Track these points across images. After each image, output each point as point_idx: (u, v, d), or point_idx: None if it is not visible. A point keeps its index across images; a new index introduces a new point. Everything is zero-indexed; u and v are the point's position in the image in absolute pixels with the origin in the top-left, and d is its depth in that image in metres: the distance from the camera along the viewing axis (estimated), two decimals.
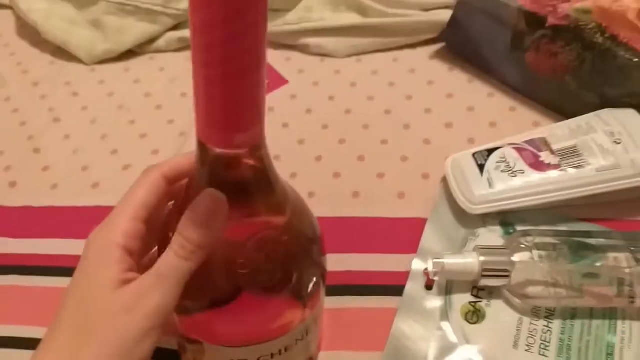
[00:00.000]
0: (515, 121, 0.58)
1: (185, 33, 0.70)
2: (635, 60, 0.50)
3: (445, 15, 0.65)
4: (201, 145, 0.27)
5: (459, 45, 0.66)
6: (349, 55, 0.68)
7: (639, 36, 0.51)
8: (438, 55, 0.67)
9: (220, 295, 0.31)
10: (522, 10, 0.56)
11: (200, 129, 0.26)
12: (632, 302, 0.43)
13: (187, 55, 0.69)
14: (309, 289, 0.34)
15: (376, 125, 0.60)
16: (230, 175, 0.28)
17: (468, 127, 0.59)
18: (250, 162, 0.28)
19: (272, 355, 0.34)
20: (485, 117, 0.60)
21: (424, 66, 0.66)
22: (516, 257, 0.44)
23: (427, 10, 0.69)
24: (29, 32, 0.71)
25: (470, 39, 0.63)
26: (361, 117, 0.61)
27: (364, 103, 0.63)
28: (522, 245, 0.45)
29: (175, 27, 0.70)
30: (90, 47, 0.69)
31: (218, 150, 0.26)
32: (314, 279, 0.34)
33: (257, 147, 0.28)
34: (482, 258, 0.44)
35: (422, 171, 0.55)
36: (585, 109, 0.54)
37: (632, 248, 0.44)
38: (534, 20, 0.56)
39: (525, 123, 0.58)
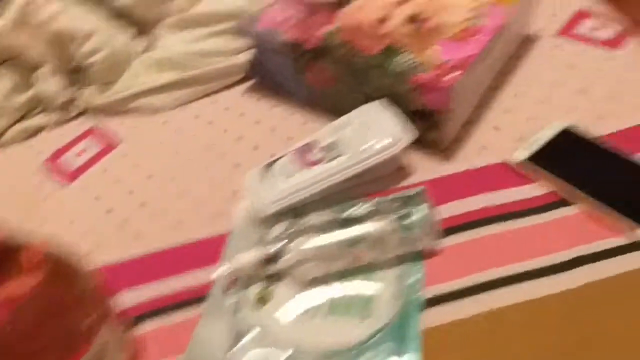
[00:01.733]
0: (309, 131, 0.69)
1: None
2: (372, 62, 0.62)
3: (248, 56, 0.77)
4: None
5: (263, 78, 0.77)
6: (176, 107, 0.79)
7: (375, 41, 0.63)
8: (249, 90, 0.79)
9: None
10: (287, 42, 0.68)
11: None
12: (386, 253, 0.53)
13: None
14: (81, 331, 0.41)
15: (198, 159, 0.70)
16: None
17: (271, 145, 0.69)
18: None
19: None
20: (284, 133, 0.71)
21: (237, 102, 0.77)
22: (293, 243, 0.54)
23: (237, 54, 0.80)
24: None
25: (269, 72, 0.75)
26: (185, 155, 0.71)
27: (189, 142, 0.73)
28: (299, 230, 0.55)
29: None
30: None
31: None
32: (88, 321, 0.42)
33: None
34: (263, 249, 0.54)
35: (232, 190, 0.65)
36: (354, 107, 0.65)
37: (394, 213, 0.53)
38: (297, 48, 0.67)
39: (315, 131, 0.69)
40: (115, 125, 0.79)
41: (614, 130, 0.60)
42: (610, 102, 0.64)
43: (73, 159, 0.75)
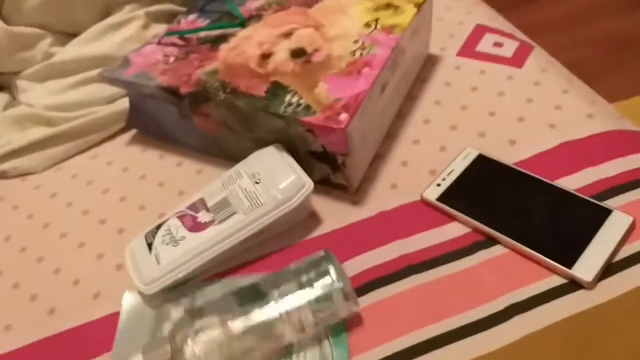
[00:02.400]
0: (204, 182, 0.61)
1: None
2: (258, 105, 0.54)
3: (126, 102, 0.67)
4: None
5: (144, 126, 0.68)
6: (49, 167, 0.68)
7: (259, 81, 0.56)
8: (133, 140, 0.69)
9: None
10: (160, 87, 0.59)
11: None
12: (303, 332, 0.45)
13: None
14: None
15: (75, 230, 0.60)
16: None
17: (159, 204, 0.60)
18: None
19: None
20: (174, 187, 0.62)
21: (120, 155, 0.68)
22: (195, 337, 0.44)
23: (113, 101, 0.71)
24: None
25: (152, 119, 0.66)
26: (60, 225, 0.61)
27: (63, 210, 0.63)
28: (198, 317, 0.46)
29: None
30: None
31: None
32: None
33: None
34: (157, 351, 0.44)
35: (116, 263, 0.55)
36: (250, 153, 0.57)
37: (300, 279, 0.45)
38: (173, 93, 0.59)
39: (211, 180, 0.60)
40: None
41: (528, 155, 0.56)
42: (520, 124, 0.60)
43: None
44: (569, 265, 0.45)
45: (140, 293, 0.51)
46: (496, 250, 0.49)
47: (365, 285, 0.48)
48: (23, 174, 0.68)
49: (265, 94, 0.54)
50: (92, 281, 0.54)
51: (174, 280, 0.50)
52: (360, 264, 0.50)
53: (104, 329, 0.50)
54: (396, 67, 0.59)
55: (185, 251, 0.50)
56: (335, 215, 0.55)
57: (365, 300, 0.47)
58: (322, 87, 0.53)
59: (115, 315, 0.51)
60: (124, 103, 0.69)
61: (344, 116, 0.50)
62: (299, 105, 0.52)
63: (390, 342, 0.44)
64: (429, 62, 0.70)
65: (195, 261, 0.50)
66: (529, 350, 0.42)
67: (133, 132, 0.70)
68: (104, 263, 0.56)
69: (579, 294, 0.45)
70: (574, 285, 0.45)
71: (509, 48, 0.69)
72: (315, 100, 0.52)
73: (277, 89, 0.54)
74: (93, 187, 0.65)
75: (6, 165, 0.68)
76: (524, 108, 0.61)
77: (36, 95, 0.72)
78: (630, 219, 0.47)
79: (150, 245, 0.52)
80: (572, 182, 0.52)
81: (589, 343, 0.42)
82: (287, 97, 0.53)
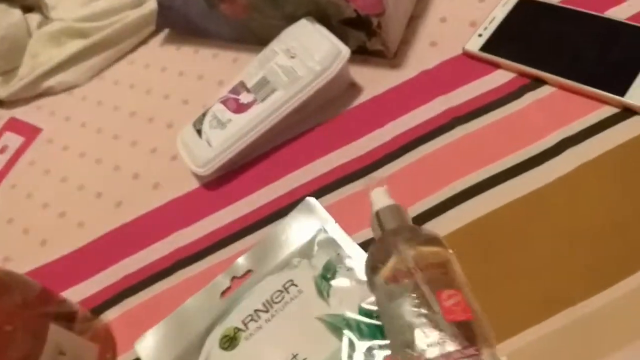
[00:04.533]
0: (241, 69, 0.61)
1: None
2: None
3: (153, 3, 0.67)
4: None
5: (174, 24, 0.68)
6: (91, 78, 0.70)
7: None
8: (166, 40, 0.70)
9: None
10: None
11: None
12: None
13: None
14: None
15: (126, 130, 0.62)
16: None
17: (201, 96, 0.61)
18: None
19: None
20: (213, 79, 0.62)
21: (156, 56, 0.69)
22: None
23: (140, 5, 0.71)
24: None
25: (179, 15, 0.65)
26: (112, 128, 0.63)
27: (111, 115, 0.65)
28: None
29: None
30: None
31: None
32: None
33: None
34: None
35: (170, 155, 0.57)
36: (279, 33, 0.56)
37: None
38: None
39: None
40: (32, 113, 0.69)
41: None
42: None
43: None
44: (622, 93, 0.44)
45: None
46: (543, 91, 0.47)
47: (412, 141, 0.49)
48: (68, 88, 0.70)
49: None
50: (150, 174, 0.57)
51: (227, 159, 0.52)
52: (405, 123, 0.50)
53: (166, 215, 0.53)
54: None
55: (234, 132, 0.52)
56: (374, 82, 0.54)
57: (410, 158, 0.48)
58: None
59: (175, 201, 0.53)
60: (152, 4, 0.69)
61: None
62: None
63: (443, 190, 0.45)
64: None
65: (244, 140, 0.51)
66: (585, 179, 0.42)
67: (165, 33, 0.70)
68: (159, 156, 0.58)
69: (633, 120, 0.43)
70: (627, 113, 0.44)
71: None
72: None
73: None
74: (136, 90, 0.66)
75: (52, 81, 0.70)
76: None
77: (65, 9, 0.72)
78: None
79: (199, 132, 0.53)
80: (621, 12, 0.49)
81: None
82: None
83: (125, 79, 0.68)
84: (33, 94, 0.71)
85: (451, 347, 0.33)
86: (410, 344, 0.34)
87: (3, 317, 0.38)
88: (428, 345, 0.34)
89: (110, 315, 0.48)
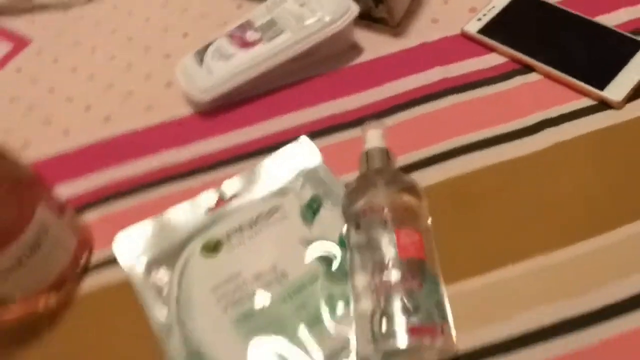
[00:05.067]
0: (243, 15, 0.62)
1: None
2: None
3: None
4: None
5: None
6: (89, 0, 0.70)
7: None
8: None
9: None
10: None
11: None
12: None
13: None
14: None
15: (122, 53, 0.62)
16: None
17: (202, 32, 0.62)
18: None
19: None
20: (217, 19, 0.64)
21: None
22: None
23: None
24: None
25: None
26: (107, 49, 0.63)
27: (107, 37, 0.65)
28: None
29: None
30: None
31: None
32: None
33: None
34: None
35: (165, 82, 0.58)
36: None
37: None
38: None
39: None
40: (23, 24, 0.69)
41: None
42: None
43: None
44: (601, 87, 0.48)
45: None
46: (532, 77, 0.52)
47: (406, 103, 0.52)
48: (65, 6, 0.70)
49: None
50: (143, 96, 0.57)
51: (226, 90, 0.53)
52: (402, 85, 0.53)
53: (157, 135, 0.54)
54: None
55: (236, 65, 0.53)
56: (376, 46, 0.57)
57: (402, 116, 0.51)
58: None
59: (167, 123, 0.54)
60: None
61: None
62: None
63: (430, 147, 0.48)
64: None
65: (245, 75, 0.53)
66: (557, 156, 0.46)
67: None
68: (153, 82, 0.59)
69: (608, 112, 0.48)
70: (603, 105, 0.48)
71: None
72: None
73: None
74: (134, 17, 0.67)
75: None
76: None
77: None
78: None
79: (201, 60, 0.55)
80: (610, 19, 0.54)
81: (613, 153, 0.46)
82: None
83: (125, 5, 0.68)
84: (26, 6, 0.70)
85: (396, 277, 0.37)
86: (365, 267, 0.38)
87: None
88: (374, 271, 0.38)
89: (91, 217, 0.49)
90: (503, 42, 0.54)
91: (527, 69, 0.52)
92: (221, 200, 0.48)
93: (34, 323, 0.43)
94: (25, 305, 0.43)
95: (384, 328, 0.36)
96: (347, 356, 0.39)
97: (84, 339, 0.42)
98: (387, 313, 0.37)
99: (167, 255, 0.45)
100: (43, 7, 0.70)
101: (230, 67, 0.53)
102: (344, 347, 0.39)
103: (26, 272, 0.40)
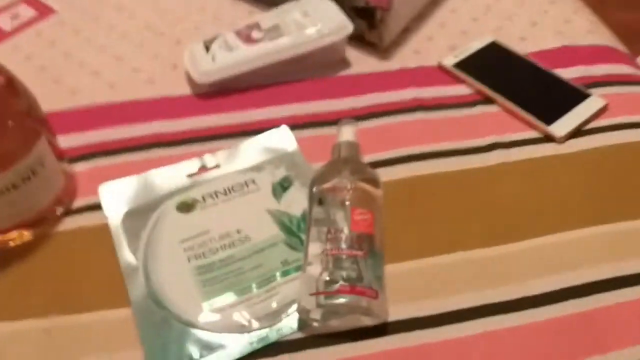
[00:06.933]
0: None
1: None
2: None
3: None
4: None
5: None
6: None
7: None
8: None
9: None
10: None
11: None
12: None
13: None
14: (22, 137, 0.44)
15: (137, 34, 0.69)
16: None
17: (214, 29, 0.68)
18: None
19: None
20: (228, 21, 0.71)
21: None
22: None
23: None
24: None
25: None
26: (124, 29, 0.70)
27: (125, 20, 0.71)
28: None
29: None
30: None
31: None
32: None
33: None
34: None
35: (171, 63, 0.65)
36: None
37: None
38: None
39: None
40: None
41: (534, 50, 0.66)
42: (532, 27, 0.69)
43: (4, 22, 0.72)
44: (548, 123, 0.56)
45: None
46: (493, 108, 0.59)
47: (381, 112, 0.59)
48: None
49: None
50: (149, 71, 0.64)
51: (225, 76, 0.60)
52: (379, 98, 0.60)
53: (154, 106, 0.60)
54: None
55: (238, 56, 0.60)
56: (362, 64, 0.65)
57: (375, 122, 0.58)
58: None
59: (167, 98, 0.60)
60: None
61: None
62: None
63: (394, 150, 0.55)
64: None
65: (244, 66, 0.60)
66: (502, 173, 0.53)
67: None
68: (160, 62, 0.65)
69: (551, 145, 0.55)
70: (548, 139, 0.56)
71: None
72: None
73: None
74: (155, 6, 0.73)
75: None
76: (539, 16, 0.70)
77: None
78: (603, 102, 0.58)
79: (207, 48, 0.61)
80: (567, 73, 0.62)
81: (548, 177, 0.53)
82: None
83: None
84: None
85: (346, 245, 0.43)
86: (321, 237, 0.44)
87: (10, 114, 0.44)
88: (328, 240, 0.44)
89: (81, 168, 0.54)
90: (473, 77, 0.61)
91: (489, 101, 0.60)
92: (203, 169, 0.53)
93: (6, 254, 0.48)
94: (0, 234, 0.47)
95: (327, 285, 0.42)
96: (291, 311, 0.44)
97: (55, 272, 0.47)
98: (332, 274, 0.42)
99: (145, 207, 0.50)
100: None
101: (232, 58, 0.60)
102: (290, 303, 0.44)
103: (11, 201, 0.45)
